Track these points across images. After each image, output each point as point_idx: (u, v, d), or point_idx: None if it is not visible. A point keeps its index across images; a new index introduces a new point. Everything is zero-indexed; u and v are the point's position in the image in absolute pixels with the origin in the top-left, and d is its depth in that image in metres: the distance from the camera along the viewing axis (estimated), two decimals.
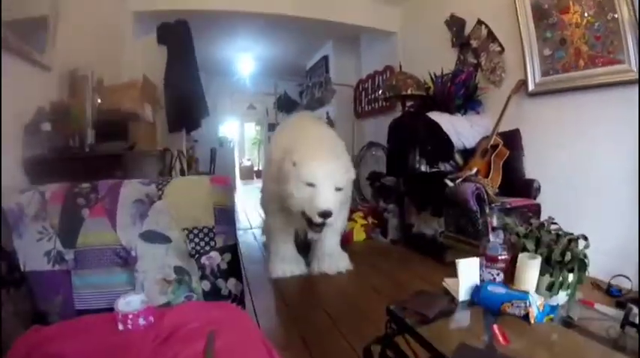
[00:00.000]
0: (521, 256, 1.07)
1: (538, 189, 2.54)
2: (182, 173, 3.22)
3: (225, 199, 1.12)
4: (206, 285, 1.07)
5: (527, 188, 2.54)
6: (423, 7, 4.02)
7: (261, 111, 8.75)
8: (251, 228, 3.85)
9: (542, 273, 1.05)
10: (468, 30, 3.33)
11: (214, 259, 1.06)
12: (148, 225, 1.05)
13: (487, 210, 2.13)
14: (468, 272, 1.07)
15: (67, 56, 2.24)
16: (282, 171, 2.13)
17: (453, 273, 1.11)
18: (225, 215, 1.10)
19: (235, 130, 9.84)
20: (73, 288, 1.04)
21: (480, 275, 1.12)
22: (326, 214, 1.97)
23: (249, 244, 3.32)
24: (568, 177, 2.50)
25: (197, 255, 1.06)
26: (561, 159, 2.55)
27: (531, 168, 2.68)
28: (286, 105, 7.45)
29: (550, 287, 1.02)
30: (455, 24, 3.47)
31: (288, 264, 2.45)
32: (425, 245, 2.60)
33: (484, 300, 1.03)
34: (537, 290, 1.05)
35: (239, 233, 3.72)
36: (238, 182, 8.75)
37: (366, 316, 1.80)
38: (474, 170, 2.29)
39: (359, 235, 3.32)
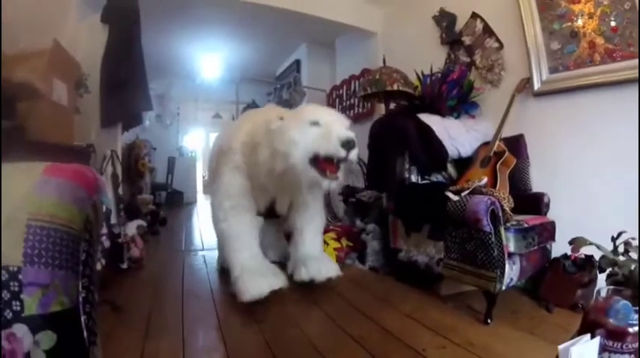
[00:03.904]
0: None
1: (548, 205, 2.13)
2: (115, 180, 2.57)
3: (60, 210, 0.52)
4: None
5: (535, 203, 2.12)
6: (408, 3, 3.64)
7: (228, 120, 8.13)
8: (202, 250, 3.16)
9: None
10: (459, 26, 2.95)
11: (20, 341, 0.47)
12: None
13: (502, 231, 1.63)
14: None
15: None
16: (258, 141, 1.86)
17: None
18: (53, 242, 0.50)
19: (200, 140, 9.14)
20: None
21: None
22: (350, 142, 1.63)
23: (197, 271, 2.57)
24: (581, 189, 2.14)
25: None
26: (573, 168, 2.20)
27: (538, 180, 2.29)
28: None
29: None
30: (444, 19, 3.07)
31: (263, 277, 1.85)
32: (415, 274, 2.06)
33: None
34: None
35: (191, 254, 3.02)
36: (200, 196, 8.05)
37: None
38: (484, 179, 1.80)
39: None
